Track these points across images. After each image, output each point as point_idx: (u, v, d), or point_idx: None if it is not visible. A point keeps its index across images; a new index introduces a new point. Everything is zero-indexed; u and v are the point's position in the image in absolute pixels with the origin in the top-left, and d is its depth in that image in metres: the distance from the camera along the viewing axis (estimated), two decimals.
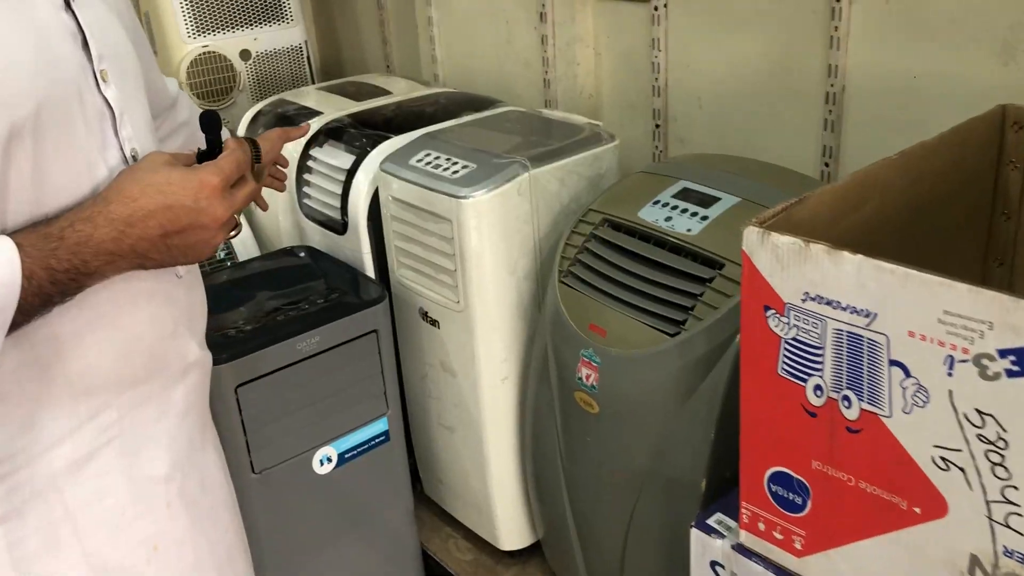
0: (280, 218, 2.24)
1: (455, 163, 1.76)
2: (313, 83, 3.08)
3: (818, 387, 1.10)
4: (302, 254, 2.03)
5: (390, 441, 1.90)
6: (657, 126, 2.24)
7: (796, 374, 1.11)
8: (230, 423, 1.66)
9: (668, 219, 1.53)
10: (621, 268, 1.54)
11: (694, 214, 1.52)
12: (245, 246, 2.21)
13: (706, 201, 1.53)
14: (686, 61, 2.13)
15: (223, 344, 1.65)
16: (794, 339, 1.10)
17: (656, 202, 1.58)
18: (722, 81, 2.07)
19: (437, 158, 1.80)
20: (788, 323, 1.10)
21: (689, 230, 1.49)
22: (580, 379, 1.55)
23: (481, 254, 1.70)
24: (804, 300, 1.07)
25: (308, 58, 3.07)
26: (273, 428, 1.72)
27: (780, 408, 1.15)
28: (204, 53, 2.84)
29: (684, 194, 1.57)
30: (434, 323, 1.86)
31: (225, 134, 1.30)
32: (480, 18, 2.61)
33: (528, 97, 2.53)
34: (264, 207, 1.52)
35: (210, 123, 0.97)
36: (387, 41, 3.13)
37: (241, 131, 2.37)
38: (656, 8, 2.12)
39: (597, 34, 2.34)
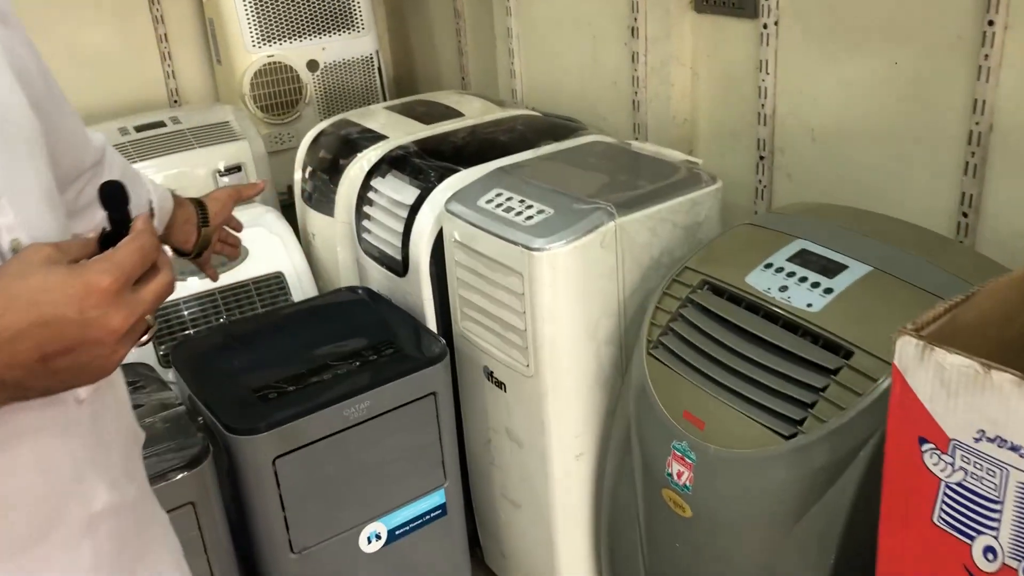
0: (339, 251, 2.04)
1: (529, 206, 1.53)
2: (384, 96, 2.88)
3: (990, 549, 0.85)
4: (359, 296, 1.83)
5: (447, 516, 1.68)
6: (761, 158, 1.97)
7: (960, 528, 0.86)
8: (266, 498, 1.46)
9: (783, 289, 1.27)
10: (724, 345, 1.29)
11: (815, 284, 1.26)
12: (300, 281, 2.02)
13: (830, 269, 1.27)
14: (798, 86, 1.86)
15: (261, 410, 1.45)
16: (960, 484, 0.85)
17: (768, 265, 1.32)
18: (841, 111, 1.79)
19: (509, 199, 1.57)
20: (953, 464, 0.85)
21: (810, 305, 1.23)
22: (670, 475, 1.30)
23: (556, 314, 1.47)
24: (978, 439, 0.82)
25: (379, 69, 2.87)
26: (315, 503, 1.52)
27: (933, 565, 0.90)
28: (269, 63, 2.67)
29: (802, 258, 1.31)
30: (500, 385, 1.63)
31: (144, 204, 1.08)
32: (564, 31, 2.37)
33: (614, 120, 2.28)
34: (214, 278, 1.32)
35: (111, 197, 0.72)
36: (463, 52, 2.91)
37: (301, 153, 2.18)
38: (765, 25, 1.85)
39: (695, 52, 2.08)
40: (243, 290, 1.97)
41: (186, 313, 1.91)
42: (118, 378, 0.83)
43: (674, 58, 2.08)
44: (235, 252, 1.33)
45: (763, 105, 1.93)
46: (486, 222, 1.54)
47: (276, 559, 1.50)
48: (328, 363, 1.57)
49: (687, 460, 1.27)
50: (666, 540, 1.36)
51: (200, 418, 1.50)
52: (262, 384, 1.52)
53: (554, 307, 1.46)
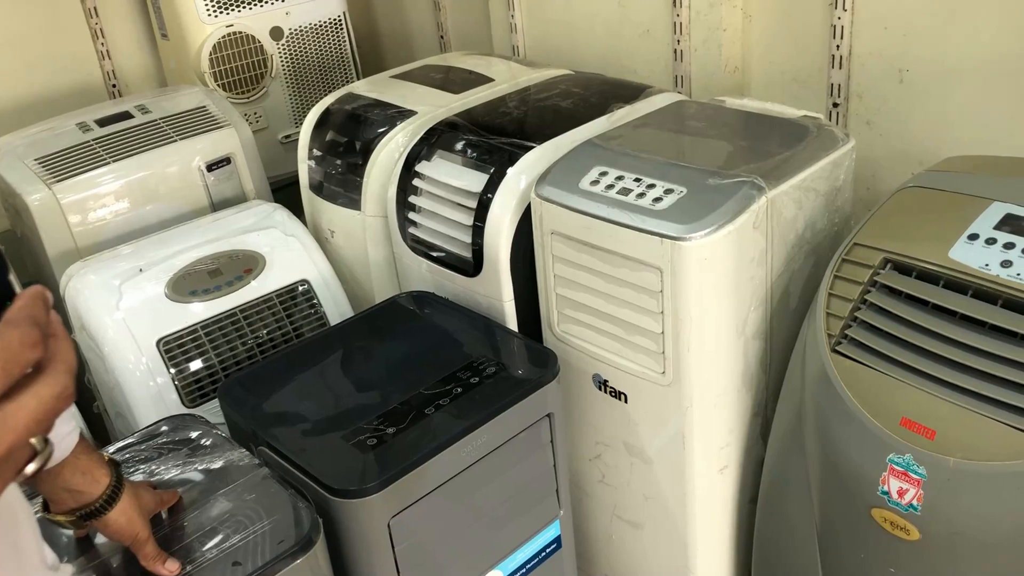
0: (371, 251, 1.76)
1: (651, 185, 1.29)
2: (356, 65, 2.57)
3: None
4: (424, 302, 1.56)
5: (561, 548, 1.45)
6: (835, 104, 1.78)
7: None
8: (378, 566, 1.20)
9: (1007, 264, 1.08)
10: (939, 335, 1.09)
11: None
12: (329, 288, 1.72)
13: None
14: (883, 20, 1.66)
15: (365, 462, 1.18)
16: None
17: (973, 236, 1.13)
18: (939, 46, 1.60)
19: (620, 178, 1.33)
20: None
21: None
22: (886, 493, 1.11)
23: (706, 313, 1.24)
24: None
25: (348, 33, 2.55)
26: (431, 560, 1.26)
27: None
28: (230, 34, 2.31)
29: (1011, 224, 1.12)
30: (619, 396, 1.40)
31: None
32: None
33: (648, 73, 2.05)
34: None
35: None
36: (440, 7, 2.61)
37: (305, 136, 1.86)
38: None
39: None
40: (267, 305, 1.67)
41: (206, 339, 1.60)
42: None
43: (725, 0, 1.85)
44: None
45: (838, 45, 1.73)
46: (601, 209, 1.29)
47: None
48: (423, 391, 1.30)
49: (912, 475, 1.08)
50: (875, 564, 1.17)
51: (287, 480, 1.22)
52: (353, 428, 1.24)
53: (703, 305, 1.23)
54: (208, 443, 1.25)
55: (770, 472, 1.32)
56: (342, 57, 2.54)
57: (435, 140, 1.60)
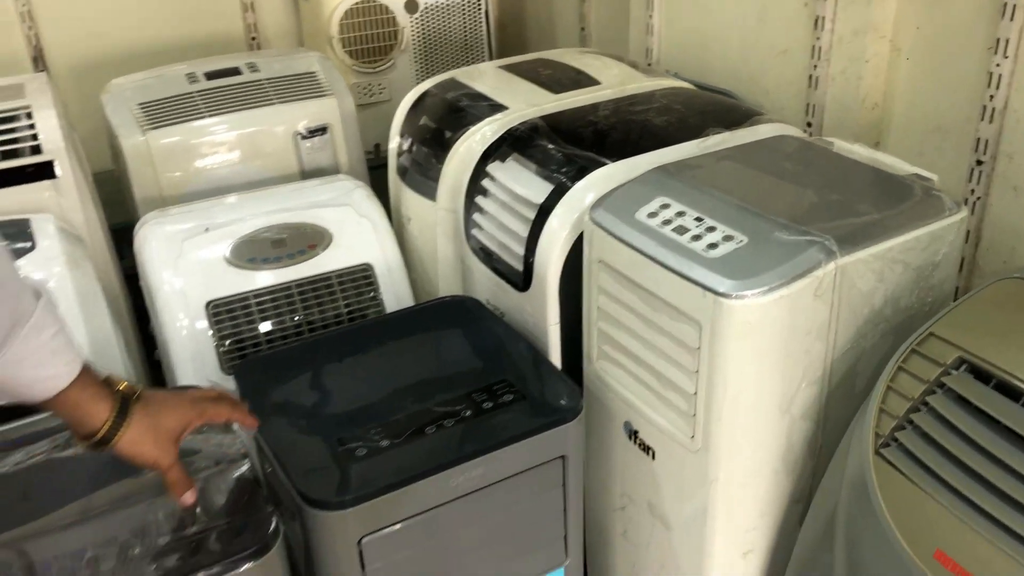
0: (440, 245, 1.69)
1: (711, 228, 1.15)
2: (490, 46, 2.49)
3: None
4: (467, 310, 1.48)
5: None
6: (979, 163, 1.55)
7: None
8: None
9: None
10: (997, 460, 0.91)
11: None
12: (392, 276, 1.66)
13: None
14: None
15: (347, 474, 1.12)
16: None
17: None
18: None
19: (681, 215, 1.19)
20: None
21: None
22: None
23: (745, 382, 1.09)
24: None
25: (486, 12, 2.48)
26: None
27: None
28: (363, 3, 2.29)
29: None
30: (647, 450, 1.27)
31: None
32: None
33: (780, 97, 1.87)
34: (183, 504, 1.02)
35: None
36: None
37: (399, 117, 1.81)
38: None
39: (899, 21, 1.65)
40: (324, 284, 1.63)
41: (256, 308, 1.58)
42: None
43: (872, 27, 1.65)
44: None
45: (991, 96, 1.50)
46: (649, 245, 1.16)
47: None
48: (432, 408, 1.22)
49: None
50: None
51: (268, 469, 1.18)
52: (349, 433, 1.18)
53: (742, 372, 1.09)
54: (210, 429, 1.21)
55: (794, 568, 1.16)
56: (477, 37, 2.48)
57: (512, 141, 1.51)
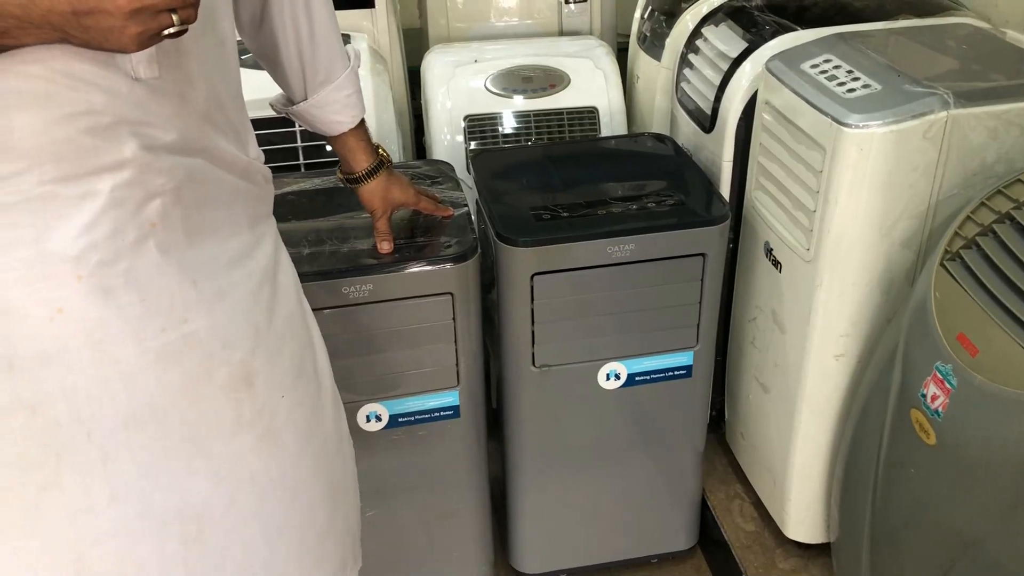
0: (657, 98, 2.00)
1: (856, 78, 1.38)
2: None
3: None
4: (662, 144, 1.79)
5: (692, 378, 1.66)
6: None
7: None
8: (519, 309, 1.53)
9: None
10: None
11: None
12: (613, 120, 2.01)
13: None
14: None
15: (531, 227, 1.49)
16: None
17: None
18: None
19: (837, 67, 1.43)
20: None
21: None
22: (924, 396, 1.18)
23: (852, 201, 1.34)
24: None
25: None
26: (563, 327, 1.56)
27: None
28: None
29: None
30: (777, 264, 1.54)
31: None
32: None
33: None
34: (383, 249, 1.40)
35: None
36: None
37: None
38: None
39: None
40: (556, 117, 2.00)
41: (500, 126, 1.99)
42: None
43: None
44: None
45: None
46: (802, 87, 1.42)
47: (518, 367, 1.58)
48: (607, 199, 1.57)
49: (947, 385, 1.14)
50: (902, 462, 1.25)
51: (481, 226, 1.58)
52: (542, 204, 1.55)
53: (852, 192, 1.33)
54: (446, 184, 1.64)
55: (873, 370, 1.40)
56: None
57: (728, 10, 1.78)
